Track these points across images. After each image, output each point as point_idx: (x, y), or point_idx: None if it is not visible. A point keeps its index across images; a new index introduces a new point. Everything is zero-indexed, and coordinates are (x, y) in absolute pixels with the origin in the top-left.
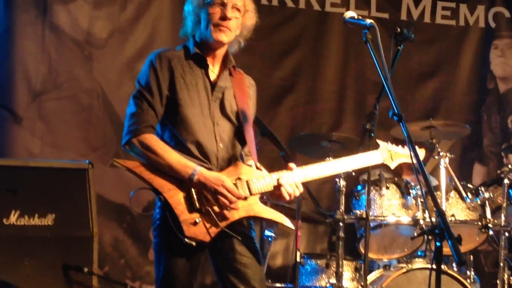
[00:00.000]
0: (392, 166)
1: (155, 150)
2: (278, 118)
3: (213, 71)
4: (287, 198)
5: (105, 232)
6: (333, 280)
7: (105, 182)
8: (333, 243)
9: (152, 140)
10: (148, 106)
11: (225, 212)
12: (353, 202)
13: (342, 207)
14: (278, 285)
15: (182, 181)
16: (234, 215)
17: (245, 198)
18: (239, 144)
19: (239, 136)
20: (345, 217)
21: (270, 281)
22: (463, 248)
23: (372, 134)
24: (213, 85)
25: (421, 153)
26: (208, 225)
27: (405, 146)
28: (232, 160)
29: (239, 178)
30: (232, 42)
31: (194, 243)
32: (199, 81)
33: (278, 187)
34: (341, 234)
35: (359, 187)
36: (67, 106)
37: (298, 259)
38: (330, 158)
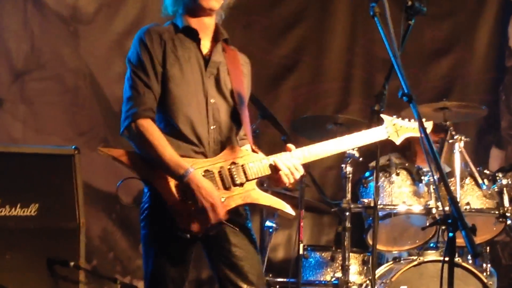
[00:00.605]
0: (398, 141)
1: (150, 140)
2: (279, 99)
3: (205, 45)
4: (286, 181)
5: (93, 223)
6: (339, 274)
7: (93, 169)
8: (338, 234)
9: (149, 128)
10: (144, 87)
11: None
12: (361, 190)
13: (349, 195)
14: (279, 279)
15: None
16: (229, 203)
17: (241, 185)
18: (234, 126)
19: (234, 117)
20: (352, 206)
21: (271, 275)
22: (478, 239)
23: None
24: (207, 59)
25: (429, 125)
26: (202, 216)
27: (412, 120)
28: (226, 143)
29: (234, 163)
30: (217, 12)
31: (188, 235)
32: (191, 55)
33: (275, 170)
34: (348, 224)
35: (367, 174)
36: (51, 87)
37: (301, 252)
38: None
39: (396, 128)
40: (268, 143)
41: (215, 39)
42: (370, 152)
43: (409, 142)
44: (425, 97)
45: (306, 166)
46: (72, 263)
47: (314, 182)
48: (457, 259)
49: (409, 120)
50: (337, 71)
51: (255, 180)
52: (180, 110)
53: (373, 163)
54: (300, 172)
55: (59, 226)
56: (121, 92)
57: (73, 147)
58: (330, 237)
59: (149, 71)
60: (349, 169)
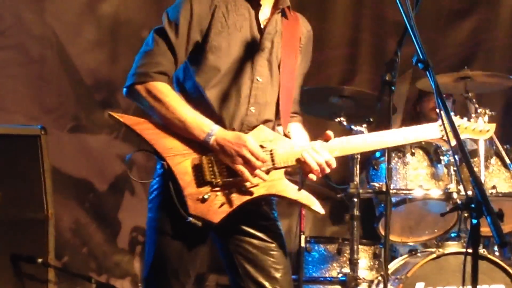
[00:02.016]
0: (453, 142)
1: (166, 102)
2: None
3: (264, 13)
4: (313, 178)
5: (63, 213)
6: (346, 270)
7: (62, 152)
8: (346, 223)
9: (164, 89)
10: (167, 48)
11: (244, 185)
12: (371, 173)
13: (357, 179)
14: None
15: (192, 146)
16: (251, 192)
17: (267, 172)
18: (274, 110)
19: (277, 100)
20: (361, 191)
21: None
22: (506, 227)
23: (393, 87)
24: (262, 31)
25: (491, 127)
26: (218, 202)
27: (472, 120)
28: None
29: (261, 146)
30: None
31: (200, 223)
32: (244, 25)
33: (302, 161)
34: (356, 212)
35: (377, 154)
36: (13, 57)
37: (303, 244)
38: (341, 118)
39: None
40: None
41: (276, 5)
42: (381, 128)
43: (420, 114)
44: (444, 65)
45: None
46: (39, 260)
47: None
48: (481, 251)
49: (469, 120)
50: (342, 36)
51: (283, 169)
52: (216, 83)
53: None
54: (332, 167)
55: (24, 217)
56: (93, 64)
57: (39, 126)
58: (336, 227)
59: (182, 34)
60: None
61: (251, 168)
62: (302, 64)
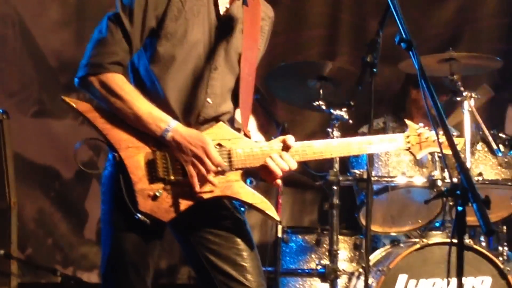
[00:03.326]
0: (419, 155)
1: (121, 95)
2: None
3: None
4: (276, 183)
5: (26, 202)
6: (325, 261)
7: (26, 138)
8: (325, 213)
9: (119, 81)
10: (122, 36)
11: (197, 185)
12: (351, 159)
13: (337, 166)
14: None
15: (148, 140)
16: (205, 193)
17: (223, 173)
18: (232, 101)
19: (236, 91)
20: (341, 178)
21: None
22: (493, 216)
23: (375, 70)
24: (221, 16)
25: (460, 141)
26: (170, 201)
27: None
28: (215, 122)
29: (219, 145)
30: None
31: (148, 221)
32: (202, 10)
33: (266, 161)
34: (336, 201)
35: None
36: None
37: (279, 235)
38: (320, 102)
39: (420, 139)
40: None
41: None
42: (361, 113)
43: (402, 100)
44: (428, 46)
45: (284, 130)
46: (1, 252)
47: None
48: (467, 241)
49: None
50: (321, 16)
51: (241, 171)
52: (171, 74)
53: (363, 129)
54: (292, 169)
55: None
56: (58, 44)
57: (0, 111)
58: (315, 216)
59: (137, 21)
60: (336, 134)
61: (205, 171)
62: (262, 52)
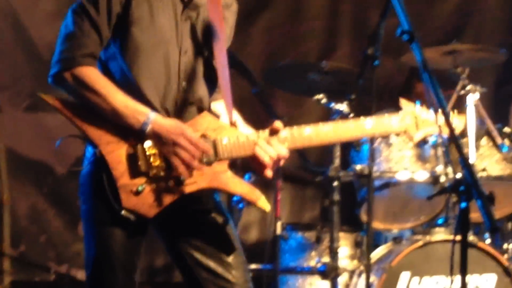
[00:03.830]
0: (416, 137)
1: (95, 89)
2: (249, 42)
3: None
4: (267, 174)
5: (19, 199)
6: (326, 259)
7: (18, 132)
8: (325, 209)
9: (92, 75)
10: (90, 27)
11: (183, 176)
12: (352, 154)
13: (337, 161)
14: (252, 266)
15: (128, 134)
16: (191, 185)
17: (209, 163)
18: (209, 86)
19: (209, 74)
20: (341, 174)
21: None
22: (498, 213)
23: (376, 62)
24: (185, 0)
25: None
26: (154, 195)
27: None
28: (197, 107)
29: (203, 135)
30: None
31: (132, 217)
32: None
33: (254, 150)
34: (336, 197)
35: None
36: None
37: (278, 232)
38: (320, 96)
39: (417, 121)
40: (236, 98)
41: None
42: (362, 106)
43: (406, 93)
44: (431, 38)
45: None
46: None
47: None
48: (471, 238)
49: (437, 112)
50: (321, 7)
51: (227, 161)
52: (142, 61)
53: None
54: (284, 159)
55: None
56: (52, 36)
57: None
58: (315, 213)
59: (102, 8)
60: None
61: (190, 158)
62: (230, 39)
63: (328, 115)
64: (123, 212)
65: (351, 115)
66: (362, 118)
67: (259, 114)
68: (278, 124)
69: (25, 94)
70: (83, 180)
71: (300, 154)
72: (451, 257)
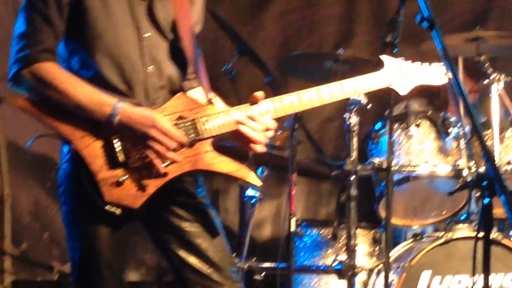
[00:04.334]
0: (403, 90)
1: (56, 85)
2: (262, 29)
3: None
4: (256, 149)
5: (21, 194)
6: (342, 257)
7: (20, 124)
8: (342, 205)
9: (51, 70)
10: (42, 21)
11: (160, 168)
12: (370, 147)
13: (355, 154)
14: (266, 265)
15: (100, 124)
16: (174, 169)
17: (191, 145)
18: (179, 67)
19: (178, 55)
20: (359, 168)
21: (254, 259)
22: None
23: (395, 50)
24: None
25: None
26: (137, 185)
27: (426, 63)
28: (169, 89)
29: (181, 117)
30: None
31: (118, 211)
32: None
33: (238, 128)
34: (353, 191)
35: (378, 126)
36: None
37: (293, 229)
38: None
39: (402, 75)
40: (249, 87)
41: None
42: (381, 97)
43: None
44: (453, 24)
45: (298, 116)
46: None
47: (309, 137)
48: (495, 235)
49: (422, 63)
50: None
51: (210, 141)
52: (102, 49)
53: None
54: (272, 131)
55: None
56: None
57: None
58: (331, 209)
59: (50, 1)
60: (354, 119)
61: (164, 150)
62: (199, 16)
63: (344, 105)
64: (107, 207)
65: (369, 106)
66: (342, 80)
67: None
68: (257, 94)
69: None
70: (61, 180)
71: (316, 147)
72: (474, 255)
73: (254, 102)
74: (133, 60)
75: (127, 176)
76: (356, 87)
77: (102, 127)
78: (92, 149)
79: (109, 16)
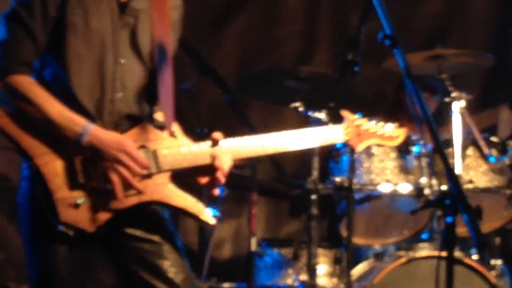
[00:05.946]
0: (359, 148)
1: (29, 98)
2: (222, 47)
3: None
4: (215, 189)
5: None
6: (303, 277)
7: None
8: (303, 224)
9: (26, 83)
10: (24, 33)
11: (120, 194)
12: (331, 166)
13: (316, 173)
14: (226, 285)
15: (64, 144)
16: (132, 198)
17: (150, 176)
18: (149, 96)
19: (150, 84)
20: (320, 186)
21: (215, 279)
22: (486, 227)
23: (356, 68)
24: (123, 5)
25: (401, 133)
26: (94, 209)
27: (381, 122)
28: (134, 118)
29: (143, 146)
30: None
31: (71, 232)
32: None
33: (212, 162)
34: (314, 211)
35: (339, 144)
36: None
37: (253, 248)
38: (297, 104)
39: (359, 131)
40: (208, 106)
41: None
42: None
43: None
44: (414, 42)
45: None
46: None
47: (270, 156)
48: (457, 254)
49: (378, 122)
50: (298, 10)
51: (169, 173)
52: (77, 69)
53: None
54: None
55: None
56: None
57: None
58: (292, 228)
59: (36, 12)
60: None
61: (130, 176)
62: (176, 43)
63: (305, 124)
64: (60, 227)
65: (329, 124)
66: (304, 129)
67: (232, 123)
68: (217, 135)
69: None
70: (20, 199)
71: (276, 166)
72: (437, 275)
73: (215, 143)
74: (104, 85)
75: (84, 199)
76: (315, 138)
77: (66, 146)
78: (52, 167)
79: (88, 36)
